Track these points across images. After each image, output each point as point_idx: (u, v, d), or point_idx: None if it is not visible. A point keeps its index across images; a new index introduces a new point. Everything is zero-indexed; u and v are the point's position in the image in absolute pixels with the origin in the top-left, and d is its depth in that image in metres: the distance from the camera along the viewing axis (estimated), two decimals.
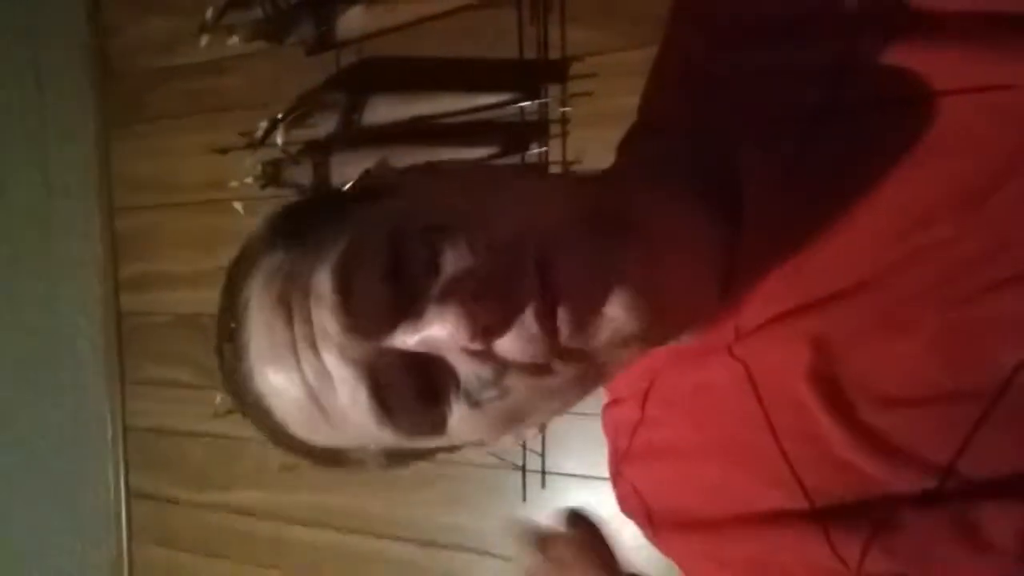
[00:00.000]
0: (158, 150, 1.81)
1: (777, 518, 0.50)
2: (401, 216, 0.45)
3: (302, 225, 0.47)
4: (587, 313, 0.41)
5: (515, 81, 1.38)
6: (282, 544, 1.75)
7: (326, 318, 0.42)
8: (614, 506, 0.64)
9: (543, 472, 1.45)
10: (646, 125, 0.62)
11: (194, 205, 1.78)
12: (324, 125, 1.49)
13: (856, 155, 0.48)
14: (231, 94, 1.70)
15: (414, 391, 0.43)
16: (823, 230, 0.48)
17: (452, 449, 0.51)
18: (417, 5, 1.41)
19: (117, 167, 1.88)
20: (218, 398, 1.68)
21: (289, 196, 1.54)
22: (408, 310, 0.42)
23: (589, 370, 0.45)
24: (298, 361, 0.43)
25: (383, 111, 1.44)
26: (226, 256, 1.79)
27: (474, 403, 0.44)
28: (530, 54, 1.38)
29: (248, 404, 0.48)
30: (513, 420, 0.47)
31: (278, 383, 0.45)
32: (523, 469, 1.46)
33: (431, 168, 0.53)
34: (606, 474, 0.65)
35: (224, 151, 1.60)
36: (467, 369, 0.43)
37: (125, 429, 1.93)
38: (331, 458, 0.50)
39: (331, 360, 0.43)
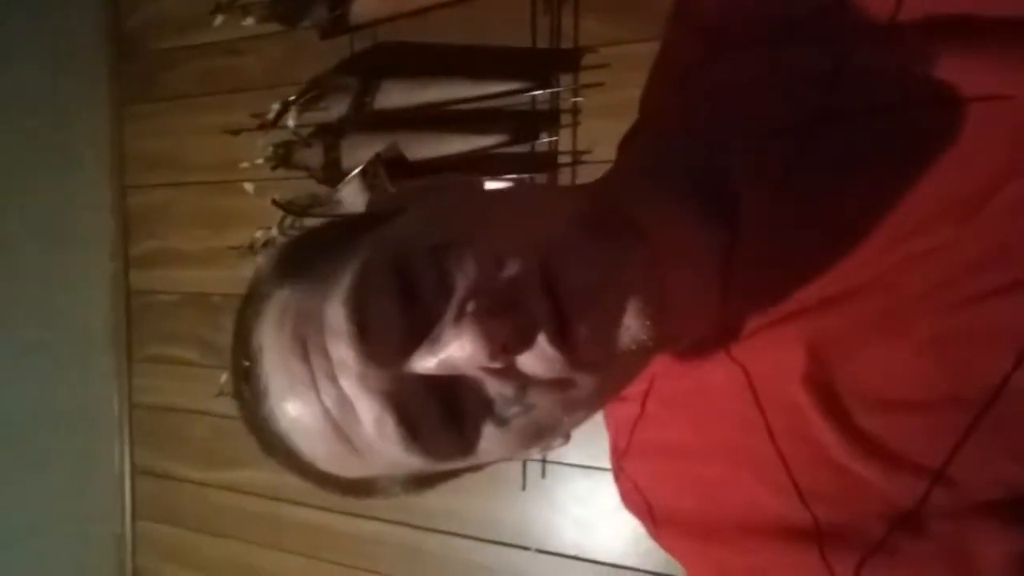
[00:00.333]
0: (171, 129, 1.83)
1: (773, 529, 0.50)
2: (404, 239, 0.44)
3: (307, 260, 0.46)
4: (603, 323, 0.41)
5: (527, 70, 1.38)
6: (283, 524, 1.76)
7: (343, 350, 0.41)
8: (613, 496, 0.64)
9: (543, 461, 1.45)
10: (645, 127, 0.63)
11: (205, 185, 1.79)
12: (336, 108, 1.49)
13: (852, 160, 0.48)
14: (245, 75, 1.71)
15: (439, 415, 0.43)
16: (820, 234, 0.48)
17: (478, 468, 0.50)
18: None
19: (130, 145, 1.90)
20: (223, 377, 1.69)
21: (299, 177, 1.55)
22: (424, 334, 0.41)
23: (608, 379, 0.45)
24: (319, 395, 0.43)
25: (395, 96, 1.44)
26: (237, 236, 1.81)
27: (500, 421, 0.43)
28: (543, 43, 1.38)
29: (273, 445, 0.47)
30: (539, 434, 0.46)
31: (301, 419, 0.44)
32: (523, 457, 1.46)
33: (431, 187, 0.53)
34: (606, 465, 0.65)
35: (236, 132, 1.61)
36: (490, 388, 0.42)
37: (131, 406, 1.95)
38: (361, 489, 0.50)
39: (352, 391, 0.42)
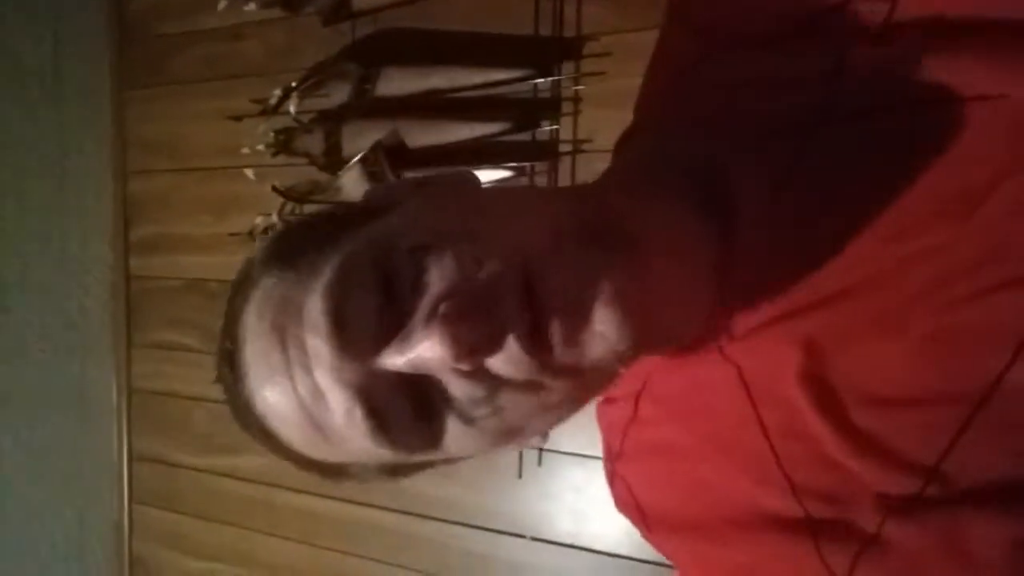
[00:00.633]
0: (172, 114, 1.83)
1: (767, 524, 0.51)
2: (387, 237, 0.45)
3: (295, 249, 0.47)
4: (578, 329, 0.41)
5: (529, 58, 1.38)
6: (280, 510, 1.76)
7: (318, 343, 0.43)
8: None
9: (540, 450, 1.45)
10: (641, 128, 0.62)
11: (206, 170, 1.79)
12: (337, 95, 1.49)
13: (848, 161, 0.48)
14: (247, 61, 1.71)
15: (409, 410, 0.43)
16: (817, 234, 0.48)
17: (453, 460, 0.51)
18: None
19: (131, 130, 1.90)
20: None
21: (300, 164, 1.55)
22: (397, 331, 0.42)
23: (583, 384, 0.45)
24: (294, 385, 0.44)
25: (396, 83, 1.44)
26: (237, 222, 1.81)
27: (468, 420, 0.44)
28: (545, 31, 1.37)
29: (251, 426, 0.48)
30: (510, 434, 0.47)
31: (276, 406, 0.45)
32: None
33: (420, 185, 0.53)
34: (601, 454, 0.65)
35: (238, 118, 1.61)
36: (459, 388, 0.43)
37: (130, 392, 1.96)
38: (337, 472, 0.51)
39: (325, 382, 0.43)
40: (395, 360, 0.42)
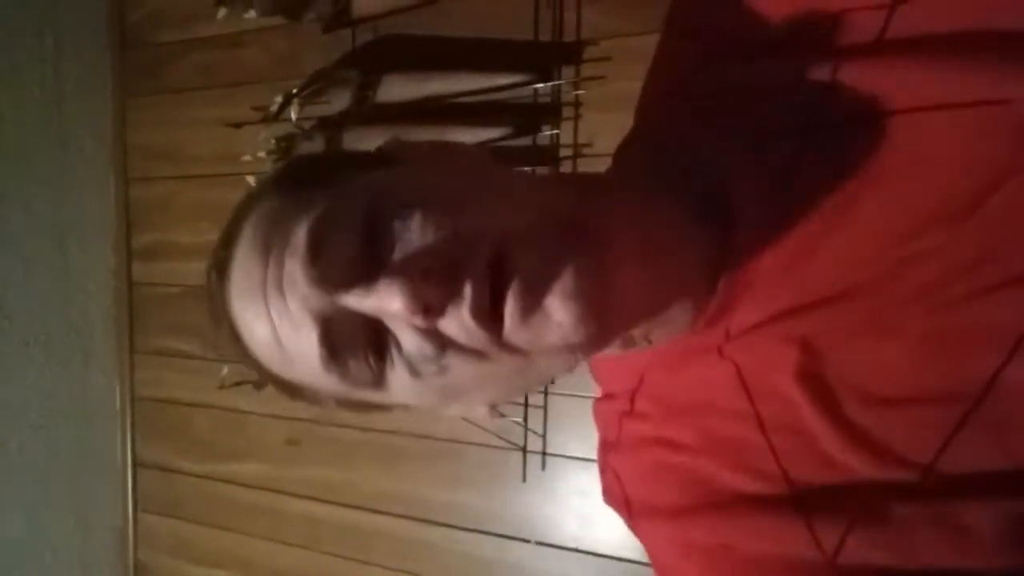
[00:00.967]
0: (174, 121, 1.83)
1: (756, 504, 0.51)
2: (384, 187, 0.47)
3: (300, 180, 0.51)
4: (530, 311, 0.42)
5: (529, 63, 1.38)
6: (283, 516, 1.77)
7: (295, 267, 0.46)
8: None
9: (543, 453, 1.46)
10: (641, 132, 0.63)
11: (207, 177, 1.79)
12: (338, 102, 1.49)
13: (845, 167, 0.49)
14: (247, 68, 1.71)
15: (362, 348, 0.46)
16: (813, 238, 0.49)
17: (404, 408, 0.54)
18: None
19: (133, 137, 1.90)
20: (224, 370, 1.70)
21: None
22: (365, 276, 0.44)
23: (532, 366, 0.47)
24: (266, 299, 0.47)
25: (397, 89, 1.44)
26: None
27: (414, 372, 0.46)
28: (544, 36, 1.38)
29: (223, 328, 0.52)
30: (452, 396, 0.49)
31: (246, 315, 0.49)
32: (524, 450, 1.47)
33: (434, 148, 0.56)
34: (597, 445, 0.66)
35: (238, 125, 1.61)
36: (411, 341, 0.45)
37: (133, 399, 1.96)
38: (290, 389, 0.53)
39: (293, 304, 0.46)
40: (358, 302, 0.45)
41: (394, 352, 0.46)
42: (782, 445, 0.51)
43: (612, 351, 0.55)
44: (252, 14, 1.52)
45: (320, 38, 1.53)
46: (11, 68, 1.75)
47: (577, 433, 1.44)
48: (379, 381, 0.48)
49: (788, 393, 0.50)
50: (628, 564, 1.40)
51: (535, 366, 0.47)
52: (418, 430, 1.59)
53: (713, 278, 0.51)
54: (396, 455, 1.62)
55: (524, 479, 1.48)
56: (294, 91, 1.50)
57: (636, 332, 0.53)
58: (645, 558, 0.56)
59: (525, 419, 1.45)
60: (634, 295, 0.47)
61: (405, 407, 0.53)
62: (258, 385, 1.72)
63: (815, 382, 0.49)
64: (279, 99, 1.52)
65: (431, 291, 0.42)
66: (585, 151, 1.37)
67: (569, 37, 1.37)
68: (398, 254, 0.44)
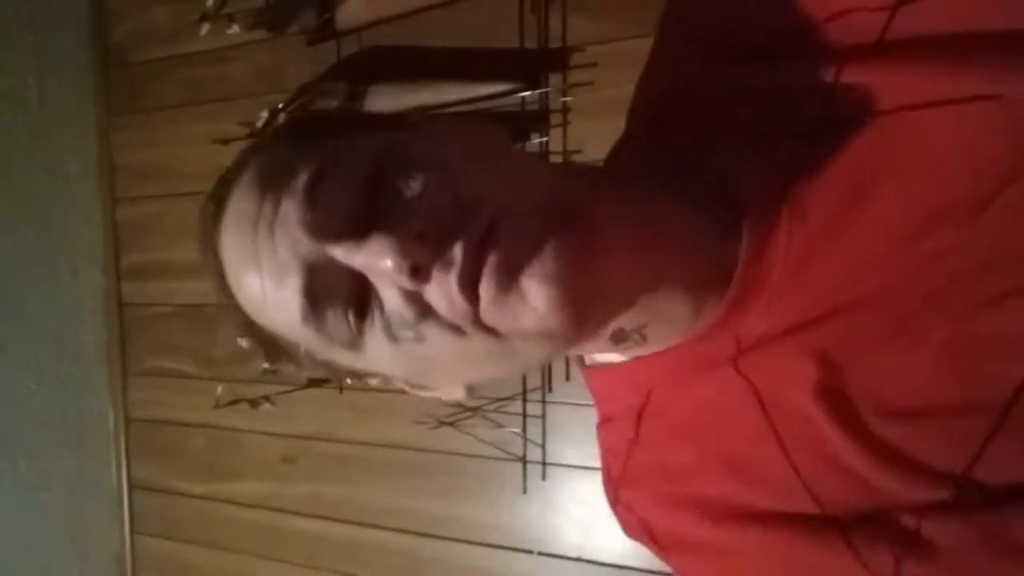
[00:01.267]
0: (160, 139, 1.82)
1: (794, 528, 0.50)
2: (393, 147, 0.47)
3: (312, 131, 0.51)
4: (506, 290, 0.42)
5: (516, 71, 1.38)
6: (283, 534, 1.75)
7: (291, 209, 0.45)
8: None
9: (544, 463, 1.45)
10: (637, 136, 0.62)
11: (196, 195, 1.77)
12: None
13: (851, 168, 0.48)
14: (232, 83, 1.70)
15: (343, 302, 0.46)
16: (822, 239, 0.48)
17: (377, 377, 0.53)
18: None
19: (119, 156, 1.89)
20: (219, 389, 1.69)
21: None
22: (359, 230, 0.44)
23: (508, 349, 0.46)
24: (255, 238, 0.47)
25: (384, 100, 1.44)
26: None
27: (392, 337, 0.45)
28: (531, 44, 1.37)
29: (208, 262, 0.52)
30: (426, 369, 0.49)
31: (235, 252, 0.49)
32: (523, 460, 1.46)
33: (450, 120, 0.55)
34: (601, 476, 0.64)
35: (226, 141, 1.60)
36: (393, 303, 0.45)
37: (127, 420, 1.94)
38: (264, 340, 0.52)
39: (282, 246, 0.46)
40: (346, 255, 0.44)
41: (375, 313, 0.45)
42: (805, 465, 0.49)
43: (603, 347, 0.54)
44: (235, 29, 1.52)
45: (305, 51, 1.52)
46: None
47: (576, 442, 1.43)
48: (355, 341, 0.47)
49: (807, 411, 0.49)
50: (632, 572, 1.38)
51: (512, 351, 0.46)
52: (416, 443, 1.57)
53: (721, 278, 0.49)
54: (394, 469, 1.61)
55: (524, 490, 1.47)
56: (280, 105, 1.49)
57: (627, 326, 0.51)
58: (648, 566, 0.55)
59: (524, 429, 1.44)
60: (619, 285, 0.46)
61: (377, 376, 0.52)
62: (254, 403, 1.72)
63: (835, 398, 0.48)
64: (265, 114, 1.51)
65: (422, 253, 0.42)
66: (575, 157, 1.36)
67: (555, 44, 1.36)
68: (395, 214, 0.43)
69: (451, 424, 1.51)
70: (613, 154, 0.62)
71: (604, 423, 0.62)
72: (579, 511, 1.44)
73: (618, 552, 1.40)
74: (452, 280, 0.42)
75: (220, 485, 1.82)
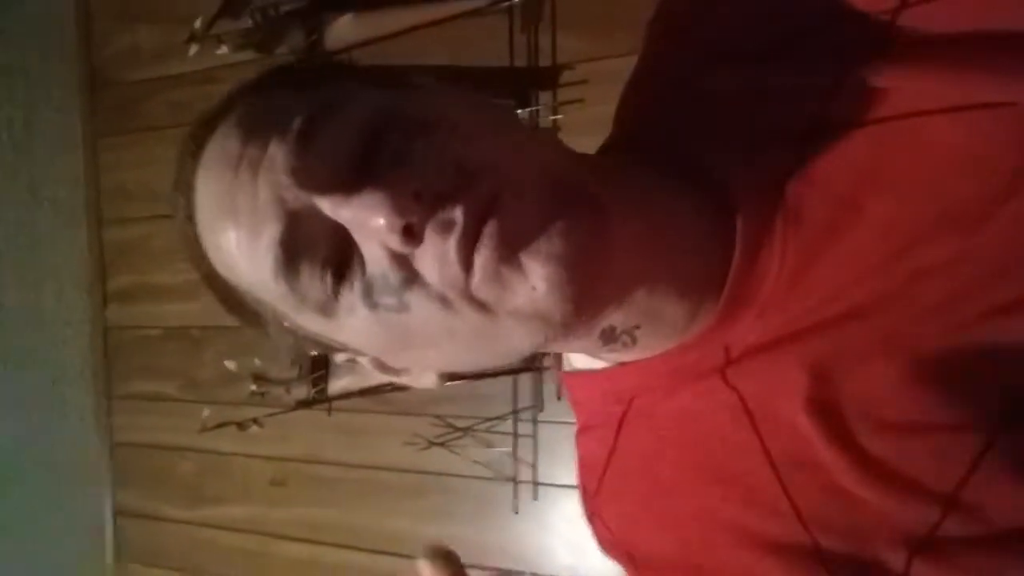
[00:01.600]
0: (147, 161, 1.80)
1: (773, 553, 0.48)
2: (396, 103, 0.44)
3: (312, 76, 0.48)
4: (505, 263, 0.40)
5: (506, 89, 1.38)
6: (272, 559, 1.72)
7: (279, 151, 0.42)
8: None
9: (535, 483, 1.44)
10: (627, 138, 0.60)
11: None
12: None
13: (849, 173, 0.47)
14: None
15: (322, 257, 0.42)
16: (817, 250, 0.47)
17: (346, 351, 0.50)
18: (406, 14, 1.41)
19: (105, 178, 1.88)
20: (205, 412, 1.67)
21: None
22: (351, 182, 0.41)
23: (493, 332, 0.43)
24: (235, 179, 0.43)
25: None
26: None
27: (372, 303, 0.42)
28: (521, 62, 1.38)
29: (178, 203, 0.48)
30: (404, 342, 0.45)
31: (210, 193, 0.45)
32: (515, 481, 1.44)
33: (455, 87, 0.53)
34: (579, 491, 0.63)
35: None
36: (378, 265, 0.41)
37: (112, 445, 1.91)
38: (228, 296, 0.49)
39: (263, 192, 0.42)
40: (334, 208, 0.41)
41: (356, 274, 0.42)
42: (792, 481, 0.47)
43: (590, 346, 0.51)
44: (224, 49, 1.52)
45: None
46: None
47: (568, 461, 1.40)
48: (329, 304, 0.43)
49: (797, 424, 0.47)
50: None
51: (499, 332, 0.43)
52: (406, 464, 1.56)
53: (715, 283, 0.48)
54: (384, 491, 1.59)
55: (516, 510, 1.46)
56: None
57: (619, 325, 0.48)
58: None
59: (515, 449, 1.43)
60: (621, 276, 0.44)
61: (346, 352, 0.49)
62: (241, 426, 1.70)
63: (826, 410, 0.46)
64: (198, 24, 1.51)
65: (417, 213, 0.39)
66: None
67: (545, 62, 1.37)
68: (393, 169, 0.41)
69: (441, 444, 1.50)
70: (601, 153, 0.60)
71: (583, 432, 0.60)
72: (571, 531, 1.43)
73: (609, 571, 1.38)
74: (450, 243, 0.39)
75: (207, 510, 1.79)
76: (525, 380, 1.42)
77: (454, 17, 1.38)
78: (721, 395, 0.50)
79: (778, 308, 0.48)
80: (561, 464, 1.42)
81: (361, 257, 0.42)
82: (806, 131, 0.48)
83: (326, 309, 0.44)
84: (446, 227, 0.39)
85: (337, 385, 1.56)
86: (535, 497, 1.44)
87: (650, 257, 0.46)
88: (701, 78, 0.54)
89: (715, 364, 0.50)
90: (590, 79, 1.33)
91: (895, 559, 0.44)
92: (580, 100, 1.34)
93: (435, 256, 0.40)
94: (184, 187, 0.47)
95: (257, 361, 1.62)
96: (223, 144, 0.44)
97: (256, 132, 0.43)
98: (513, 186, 0.40)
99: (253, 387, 1.60)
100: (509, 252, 0.40)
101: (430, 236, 0.40)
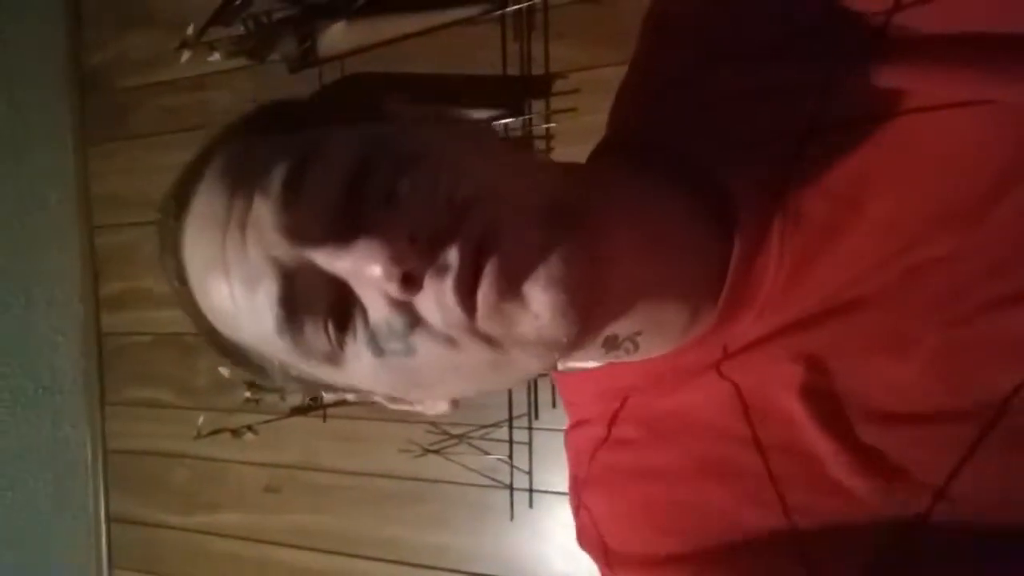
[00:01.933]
0: (139, 167, 1.80)
1: (751, 545, 0.48)
2: (380, 139, 0.43)
3: (286, 120, 0.46)
4: (507, 296, 0.39)
5: (499, 97, 1.38)
6: (267, 567, 1.72)
7: (265, 209, 0.41)
8: None
9: (531, 490, 1.43)
10: (621, 138, 0.60)
11: None
12: None
13: (848, 171, 0.47)
14: (212, 111, 1.69)
15: (324, 311, 0.42)
16: (817, 243, 0.47)
17: (357, 393, 0.49)
18: (399, 22, 1.41)
19: (97, 184, 1.87)
20: (200, 419, 1.66)
21: None
22: (343, 232, 0.40)
23: (501, 362, 0.43)
24: (224, 242, 0.42)
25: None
26: None
27: (377, 350, 0.42)
28: (513, 70, 1.38)
29: (168, 267, 0.47)
30: (413, 383, 0.45)
31: (200, 257, 0.44)
32: (511, 488, 1.44)
33: (437, 112, 0.52)
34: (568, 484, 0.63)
35: None
36: (380, 313, 0.41)
37: (106, 452, 1.90)
38: (233, 353, 0.48)
39: (254, 252, 0.41)
40: (329, 260, 0.40)
41: (358, 324, 0.42)
42: (781, 470, 0.48)
43: (592, 354, 0.51)
44: (216, 56, 1.52)
45: (286, 78, 1.51)
46: None
47: (564, 468, 1.40)
48: (336, 355, 0.43)
49: (791, 413, 0.47)
50: None
51: (507, 361, 0.43)
52: (401, 471, 1.56)
53: (715, 285, 0.48)
54: (379, 498, 1.59)
55: (512, 517, 1.46)
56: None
57: (621, 333, 0.48)
58: None
59: (511, 456, 1.43)
60: (622, 292, 0.44)
61: (358, 391, 0.49)
62: (236, 432, 1.69)
63: (821, 400, 0.46)
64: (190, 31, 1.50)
65: (414, 259, 0.38)
66: None
67: (538, 70, 1.36)
68: (383, 213, 0.40)
69: (436, 452, 1.50)
70: (595, 156, 0.59)
71: (575, 427, 0.59)
72: (567, 538, 1.41)
73: None
74: (448, 285, 0.39)
75: (202, 517, 1.79)
76: (520, 387, 1.42)
77: (447, 25, 1.38)
78: (715, 387, 0.50)
79: (777, 308, 0.48)
80: (557, 471, 1.42)
81: (362, 304, 0.41)
82: (805, 131, 0.48)
83: (332, 359, 0.43)
84: (443, 271, 0.39)
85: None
86: (531, 504, 1.44)
87: (649, 266, 0.46)
88: (701, 78, 0.53)
89: (712, 361, 0.50)
90: (583, 88, 1.33)
91: (871, 549, 0.44)
92: (573, 109, 1.34)
93: (436, 300, 0.40)
94: (172, 249, 0.46)
95: None
96: (207, 203, 0.43)
97: (239, 188, 0.42)
98: (506, 215, 0.40)
99: (247, 394, 1.60)
100: (509, 286, 0.39)
101: (429, 281, 0.39)
